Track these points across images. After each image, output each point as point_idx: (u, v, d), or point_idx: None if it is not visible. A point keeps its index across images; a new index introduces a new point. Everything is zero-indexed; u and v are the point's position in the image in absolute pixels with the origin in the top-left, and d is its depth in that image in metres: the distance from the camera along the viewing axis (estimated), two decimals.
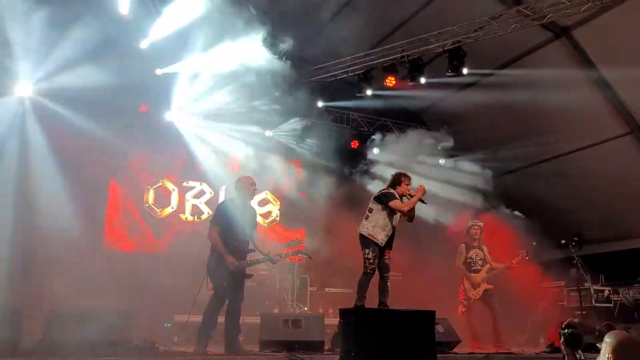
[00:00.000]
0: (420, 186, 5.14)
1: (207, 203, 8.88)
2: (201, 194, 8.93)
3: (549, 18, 7.03)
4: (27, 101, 7.15)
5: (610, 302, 7.80)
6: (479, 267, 6.64)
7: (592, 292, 7.74)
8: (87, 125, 7.54)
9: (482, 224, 6.89)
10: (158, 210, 8.59)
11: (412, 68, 7.80)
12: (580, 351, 2.71)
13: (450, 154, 9.90)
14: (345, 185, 9.30)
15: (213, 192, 8.91)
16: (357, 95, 8.46)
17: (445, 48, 7.65)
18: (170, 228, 8.42)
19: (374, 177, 9.22)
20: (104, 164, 7.93)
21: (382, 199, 5.11)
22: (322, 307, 8.00)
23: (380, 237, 5.00)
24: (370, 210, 5.14)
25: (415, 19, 8.20)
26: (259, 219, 8.57)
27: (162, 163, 8.53)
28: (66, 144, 7.40)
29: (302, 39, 7.84)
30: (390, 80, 8.11)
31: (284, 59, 7.60)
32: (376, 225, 5.03)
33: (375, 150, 9.59)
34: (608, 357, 2.38)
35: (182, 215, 8.75)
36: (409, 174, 5.37)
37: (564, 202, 9.16)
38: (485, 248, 6.80)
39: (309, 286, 8.34)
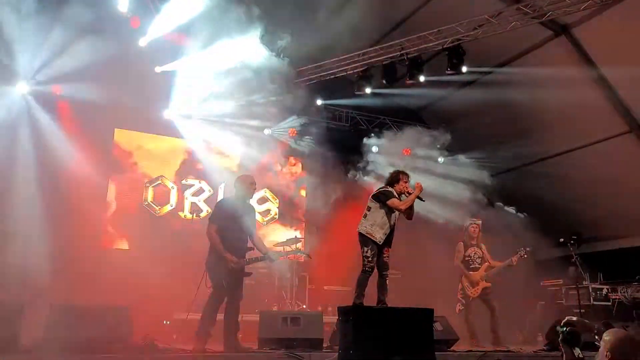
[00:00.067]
0: (418, 184, 5.14)
1: (206, 201, 8.87)
2: (200, 191, 8.93)
3: (548, 16, 7.02)
4: (26, 98, 7.15)
5: (609, 301, 7.82)
6: (477, 265, 6.66)
7: (591, 290, 7.75)
8: (86, 123, 7.55)
9: (480, 222, 6.91)
10: (157, 208, 8.60)
11: (412, 66, 7.80)
12: (578, 349, 2.71)
13: (450, 151, 9.90)
14: (344, 183, 9.29)
15: (212, 190, 8.91)
16: (356, 93, 8.45)
17: (445, 46, 7.64)
18: (169, 226, 8.42)
19: (372, 175, 9.22)
20: (103, 161, 7.93)
21: (380, 197, 5.11)
22: (321, 305, 8.00)
23: (379, 236, 5.01)
24: (369, 209, 5.14)
25: (415, 17, 8.18)
26: (258, 217, 8.58)
27: (161, 161, 8.53)
28: (64, 140, 7.39)
29: (301, 37, 7.82)
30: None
31: (281, 56, 7.59)
32: (374, 224, 5.03)
33: (374, 149, 9.59)
34: (606, 355, 2.39)
35: (181, 213, 8.75)
36: (407, 171, 5.38)
37: (562, 200, 9.17)
38: (483, 246, 6.81)
39: (307, 284, 8.35)
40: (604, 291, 7.88)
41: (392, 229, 5.11)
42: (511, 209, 9.71)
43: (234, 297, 4.94)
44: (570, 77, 7.73)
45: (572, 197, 9.11)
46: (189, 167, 8.69)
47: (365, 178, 9.25)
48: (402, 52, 7.89)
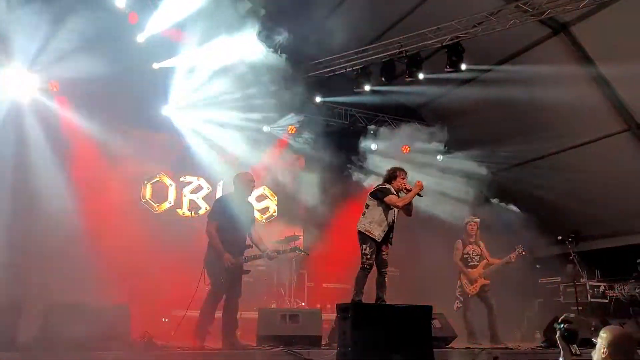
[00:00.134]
0: (418, 182, 5.13)
1: (204, 198, 8.85)
2: (199, 189, 8.91)
3: (547, 14, 7.02)
4: (24, 95, 7.12)
5: (606, 298, 7.86)
6: (475, 263, 6.67)
7: (588, 287, 7.80)
8: (83, 120, 7.53)
9: (478, 219, 6.92)
10: (155, 206, 8.57)
11: (411, 63, 7.79)
12: (575, 346, 2.73)
13: (448, 149, 9.90)
14: (343, 180, 9.30)
15: (210, 188, 8.89)
16: (355, 90, 8.44)
17: (444, 44, 7.63)
18: (167, 223, 8.39)
19: (371, 172, 9.21)
20: (101, 158, 7.90)
21: (378, 194, 5.11)
22: (320, 302, 8.01)
23: (377, 233, 5.01)
24: (367, 206, 5.14)
25: (414, 15, 8.17)
26: (257, 215, 8.57)
27: (159, 158, 8.50)
28: (62, 137, 7.37)
29: (300, 34, 7.81)
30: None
31: (279, 52, 7.57)
32: (372, 221, 5.03)
33: (373, 146, 9.59)
34: (603, 352, 2.40)
35: (179, 211, 8.73)
36: (404, 168, 5.37)
37: (561, 198, 9.18)
38: (481, 244, 6.82)
39: (306, 281, 8.35)
40: (602, 289, 7.93)
41: (390, 226, 5.10)
42: (510, 207, 9.73)
43: (233, 294, 4.95)
44: (568, 75, 7.74)
45: (570, 194, 9.13)
46: (188, 164, 8.66)
47: (364, 175, 9.25)
48: (401, 49, 7.88)
